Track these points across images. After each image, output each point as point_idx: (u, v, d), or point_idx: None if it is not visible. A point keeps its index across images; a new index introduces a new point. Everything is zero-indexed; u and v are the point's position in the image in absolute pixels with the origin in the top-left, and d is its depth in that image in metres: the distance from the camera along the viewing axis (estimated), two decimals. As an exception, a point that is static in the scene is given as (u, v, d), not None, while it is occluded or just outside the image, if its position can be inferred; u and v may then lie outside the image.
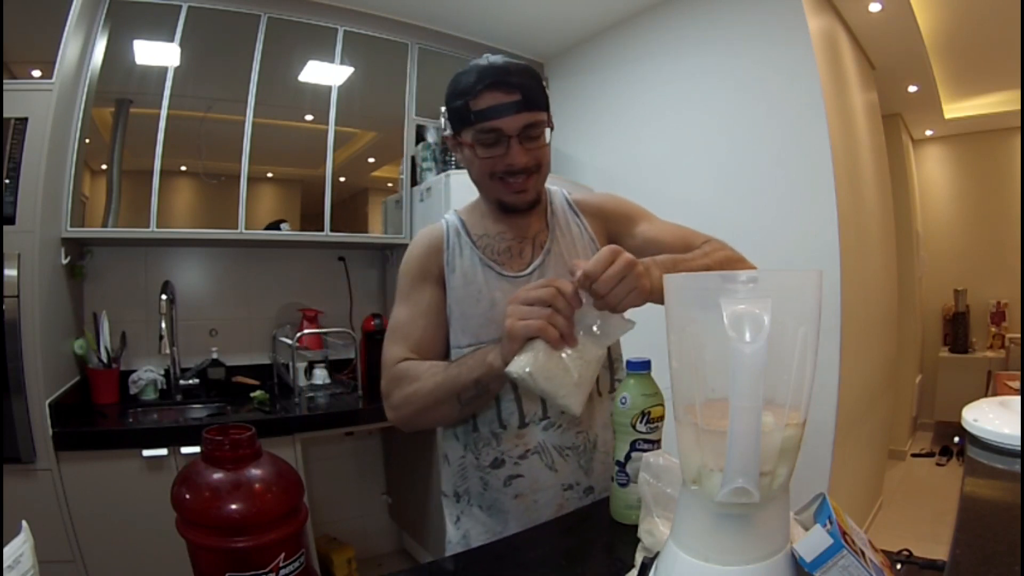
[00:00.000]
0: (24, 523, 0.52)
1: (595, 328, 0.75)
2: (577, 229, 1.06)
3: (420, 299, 0.99)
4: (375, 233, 2.61)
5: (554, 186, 1.09)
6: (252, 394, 2.21)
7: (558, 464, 0.95)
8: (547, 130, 0.93)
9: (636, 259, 0.74)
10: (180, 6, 2.12)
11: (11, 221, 1.69)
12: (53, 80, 1.77)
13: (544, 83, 0.94)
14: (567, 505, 0.96)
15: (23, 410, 1.66)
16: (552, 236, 1.03)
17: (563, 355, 0.73)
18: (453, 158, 2.52)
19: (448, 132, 0.96)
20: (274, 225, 2.38)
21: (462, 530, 0.99)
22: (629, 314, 0.77)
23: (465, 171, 1.00)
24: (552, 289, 0.72)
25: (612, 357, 1.03)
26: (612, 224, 1.06)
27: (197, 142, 2.22)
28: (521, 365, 0.72)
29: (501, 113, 0.87)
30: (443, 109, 0.94)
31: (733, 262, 0.91)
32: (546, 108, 0.93)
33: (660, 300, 0.74)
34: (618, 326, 0.76)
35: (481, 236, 1.02)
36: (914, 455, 3.84)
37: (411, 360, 0.93)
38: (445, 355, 0.99)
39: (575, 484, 0.96)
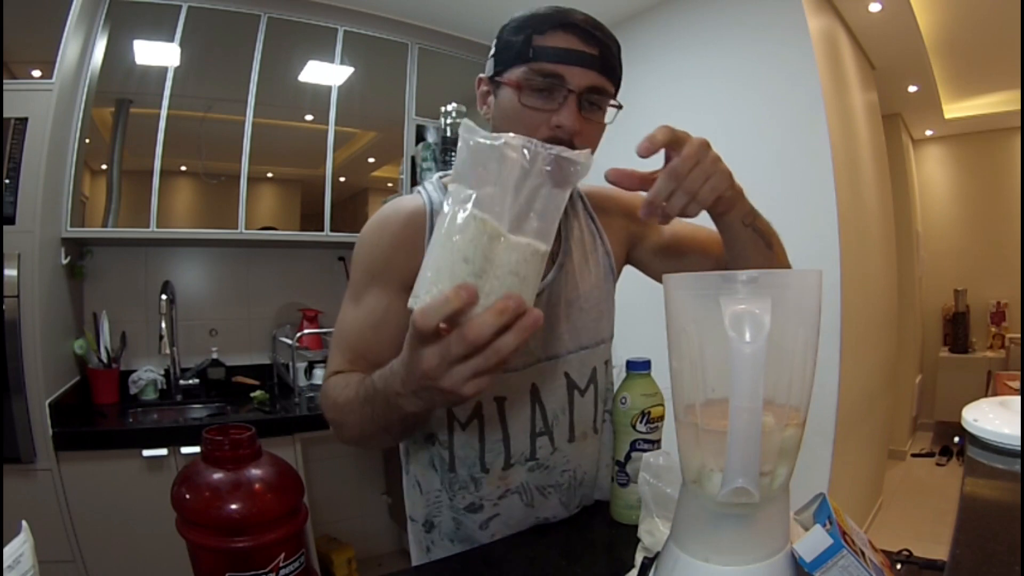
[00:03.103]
0: (24, 523, 0.52)
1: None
2: (591, 238, 0.91)
3: (375, 304, 0.78)
4: (375, 233, 2.61)
5: None
6: (252, 394, 2.21)
7: (537, 501, 0.87)
8: (612, 110, 0.76)
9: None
10: (180, 6, 2.12)
11: (11, 221, 1.69)
12: (53, 80, 1.77)
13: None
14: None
15: (23, 410, 1.66)
16: (566, 248, 0.86)
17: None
18: (453, 156, 2.51)
19: (488, 72, 0.77)
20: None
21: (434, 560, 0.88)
22: None
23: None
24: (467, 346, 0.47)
25: (600, 389, 0.90)
26: (636, 222, 0.90)
27: (197, 142, 2.22)
28: None
29: (572, 59, 0.70)
30: (494, 45, 0.77)
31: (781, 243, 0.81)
32: (618, 84, 0.77)
33: (733, 214, 0.69)
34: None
35: None
36: (914, 455, 3.84)
37: (339, 375, 0.76)
38: None
39: (552, 517, 0.89)
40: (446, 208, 0.50)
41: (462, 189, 0.50)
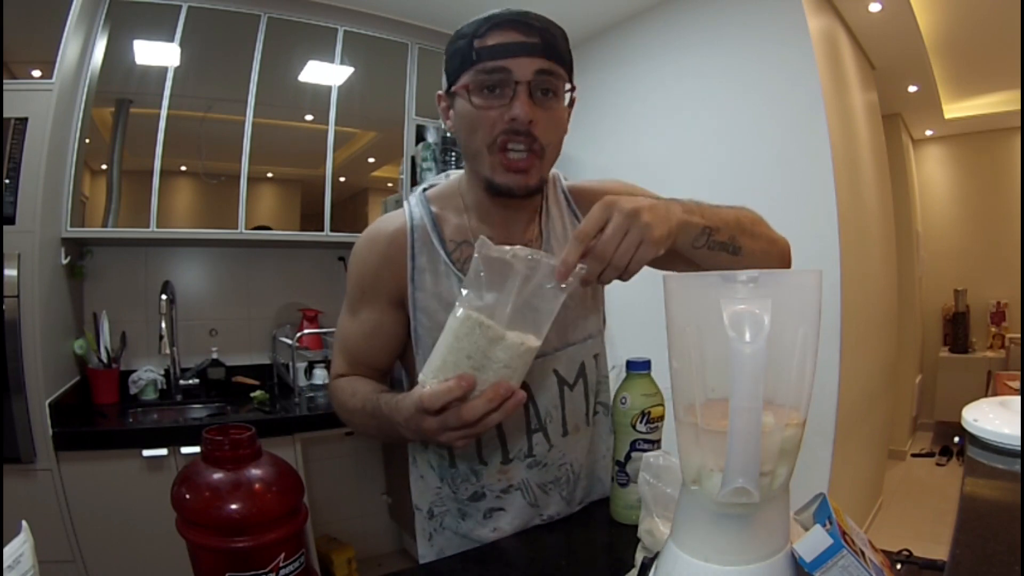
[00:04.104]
0: (24, 523, 0.52)
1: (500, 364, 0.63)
2: None
3: (367, 317, 0.85)
4: (375, 233, 2.61)
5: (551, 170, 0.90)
6: (252, 394, 2.21)
7: (540, 500, 0.88)
8: (566, 94, 0.76)
9: (640, 204, 0.62)
10: (180, 6, 2.12)
11: (11, 221, 1.69)
12: (53, 80, 1.77)
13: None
14: None
15: (23, 410, 1.66)
16: (547, 247, 0.87)
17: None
18: (453, 156, 2.51)
19: (444, 88, 0.79)
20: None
21: (436, 547, 0.90)
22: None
23: (464, 170, 0.86)
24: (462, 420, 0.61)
25: (589, 383, 0.91)
26: None
27: (197, 142, 2.22)
28: None
29: (512, 52, 0.71)
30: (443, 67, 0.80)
31: (760, 224, 0.82)
32: (569, 69, 0.76)
33: (678, 245, 0.68)
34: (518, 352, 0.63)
35: (459, 244, 0.83)
36: (914, 455, 3.84)
37: (345, 379, 0.87)
38: (390, 372, 0.93)
39: (556, 514, 0.90)
40: (458, 310, 0.62)
41: (472, 295, 0.62)
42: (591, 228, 0.62)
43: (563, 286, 0.62)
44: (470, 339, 0.61)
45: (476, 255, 0.61)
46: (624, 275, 0.64)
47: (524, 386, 0.84)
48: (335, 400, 0.86)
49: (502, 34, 0.72)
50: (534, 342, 0.62)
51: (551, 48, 0.73)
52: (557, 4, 2.55)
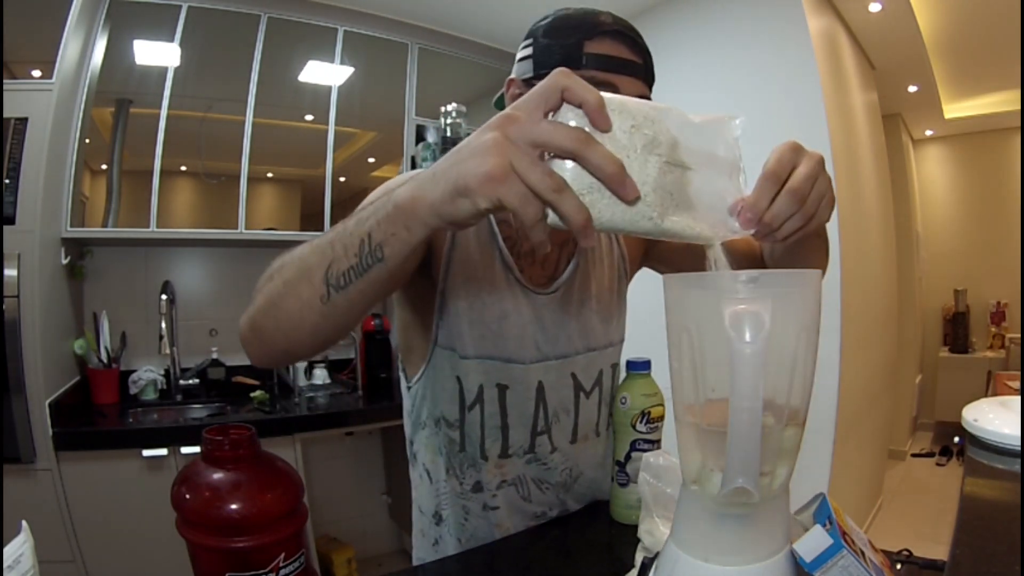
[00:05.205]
0: (24, 523, 0.52)
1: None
2: (607, 239, 0.92)
3: None
4: (375, 233, 2.61)
5: None
6: (252, 394, 2.21)
7: (534, 495, 0.87)
8: None
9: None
10: (180, 6, 2.12)
11: (11, 221, 1.69)
12: (53, 80, 1.77)
13: None
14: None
15: (23, 410, 1.66)
16: (581, 248, 0.87)
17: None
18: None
19: (525, 75, 0.74)
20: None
21: (440, 553, 0.88)
22: None
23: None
24: (583, 135, 0.42)
25: (604, 392, 0.91)
26: None
27: (197, 142, 2.22)
28: None
29: (625, 69, 0.70)
30: (526, 46, 0.75)
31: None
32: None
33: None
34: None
35: (505, 221, 0.80)
36: (914, 455, 3.84)
37: None
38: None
39: (547, 511, 0.89)
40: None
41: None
42: (783, 169, 0.51)
43: (740, 230, 0.50)
44: (664, 121, 0.45)
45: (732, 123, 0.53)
46: (807, 227, 0.52)
47: (538, 386, 0.84)
48: (267, 272, 0.61)
49: (613, 45, 0.71)
50: (667, 223, 0.46)
51: (649, 72, 0.74)
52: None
